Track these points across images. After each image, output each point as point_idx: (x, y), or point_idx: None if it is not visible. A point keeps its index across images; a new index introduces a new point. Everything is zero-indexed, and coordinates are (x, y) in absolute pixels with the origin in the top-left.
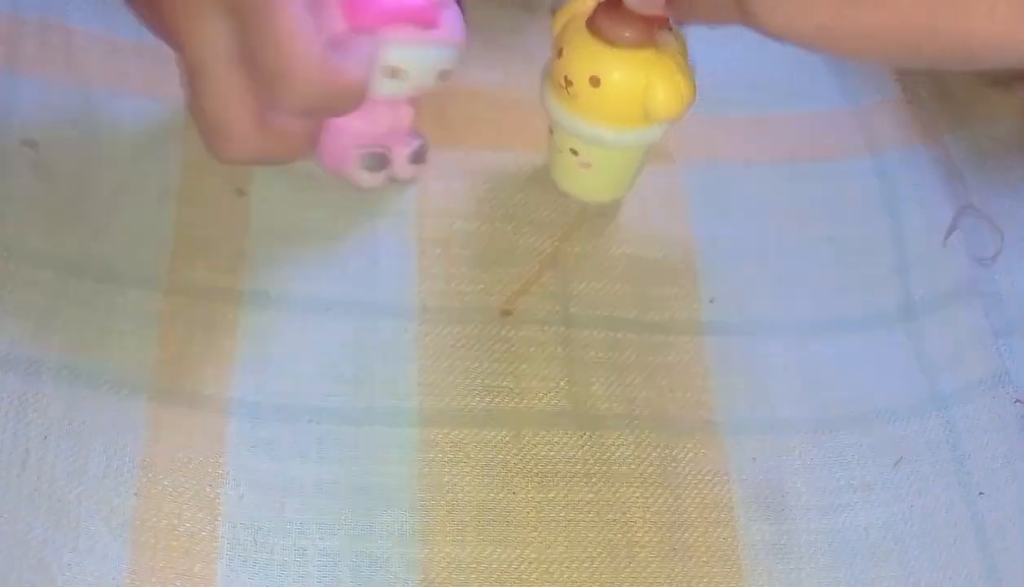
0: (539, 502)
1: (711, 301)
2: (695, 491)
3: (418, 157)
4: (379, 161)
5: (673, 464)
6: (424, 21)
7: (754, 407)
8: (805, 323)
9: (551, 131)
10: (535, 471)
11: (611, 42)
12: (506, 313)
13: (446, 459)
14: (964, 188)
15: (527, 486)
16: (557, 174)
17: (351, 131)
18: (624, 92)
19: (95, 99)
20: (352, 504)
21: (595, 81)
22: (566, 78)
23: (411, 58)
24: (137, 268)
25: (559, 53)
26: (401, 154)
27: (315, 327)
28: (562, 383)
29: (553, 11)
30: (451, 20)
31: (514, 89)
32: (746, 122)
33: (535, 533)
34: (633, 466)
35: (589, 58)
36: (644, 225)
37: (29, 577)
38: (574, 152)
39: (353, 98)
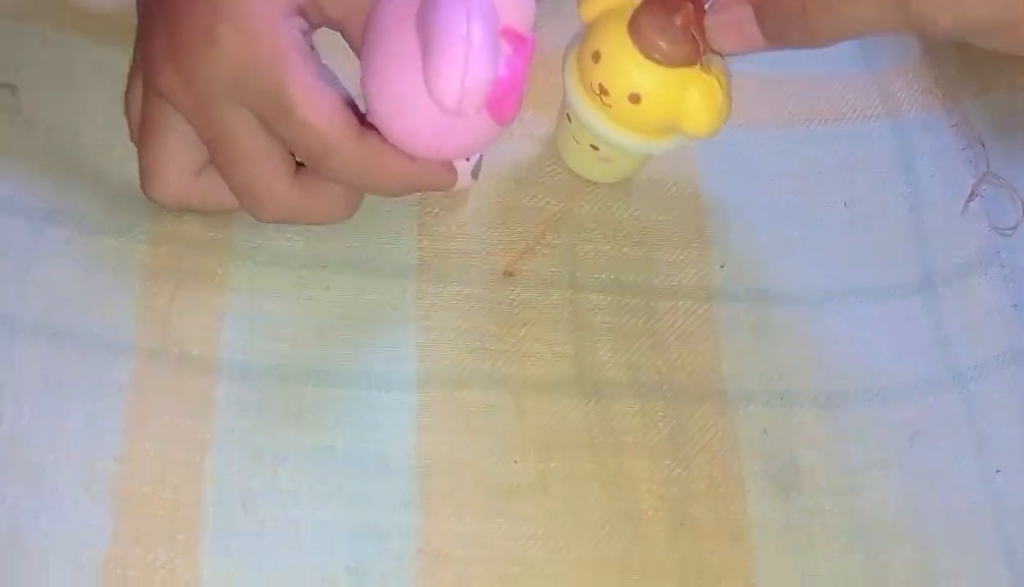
0: (541, 472)
1: (722, 266)
2: (704, 462)
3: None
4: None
5: (682, 434)
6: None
7: (765, 378)
8: (819, 292)
9: (568, 119)
10: (537, 439)
11: (655, 58)
12: (509, 274)
13: (445, 426)
14: (985, 155)
15: (528, 455)
16: (571, 159)
17: None
18: (663, 111)
19: (76, 47)
20: (348, 472)
21: (635, 98)
22: (601, 86)
23: None
24: (118, 217)
25: (595, 57)
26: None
27: (310, 284)
28: (566, 348)
29: None
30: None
31: None
32: (760, 83)
33: (537, 505)
34: (640, 436)
35: (631, 74)
36: (653, 186)
37: (1, 546)
38: (595, 147)
39: (398, 175)
